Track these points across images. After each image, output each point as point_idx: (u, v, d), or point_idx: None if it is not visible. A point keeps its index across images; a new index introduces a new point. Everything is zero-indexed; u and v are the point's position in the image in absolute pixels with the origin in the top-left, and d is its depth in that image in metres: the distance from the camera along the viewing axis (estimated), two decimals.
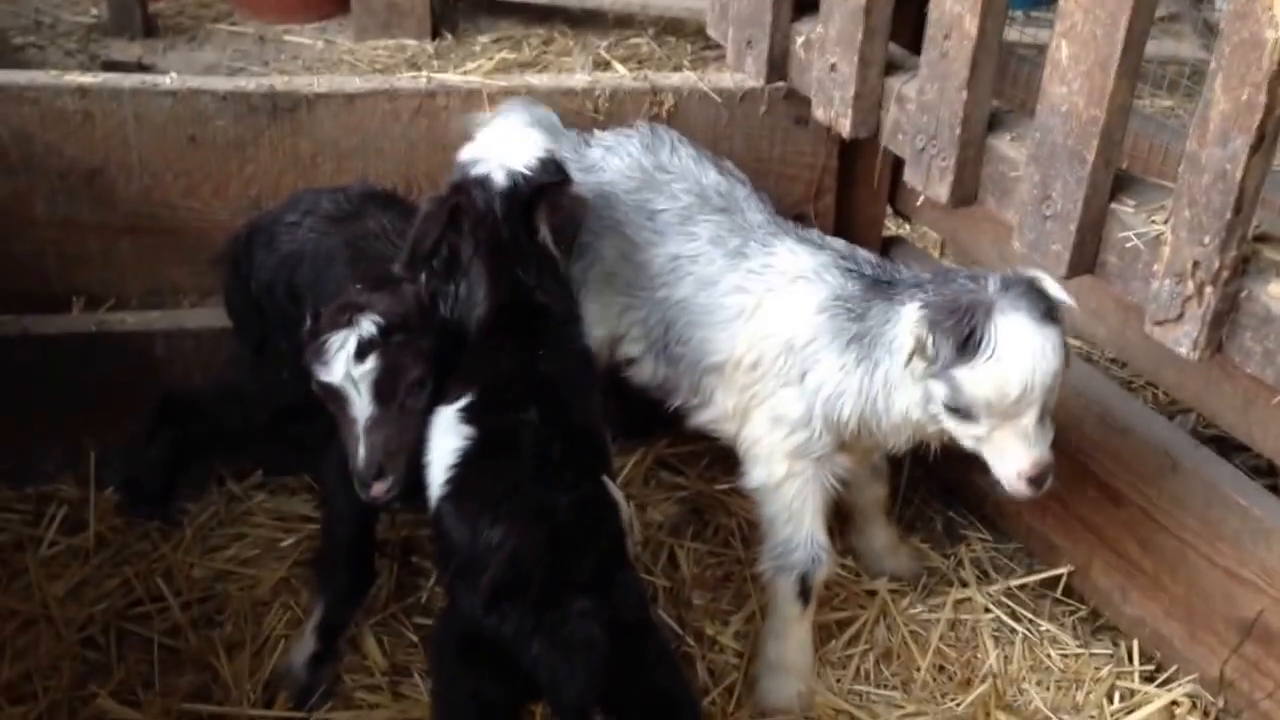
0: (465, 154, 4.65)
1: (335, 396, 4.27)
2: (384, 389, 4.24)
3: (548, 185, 4.52)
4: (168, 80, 5.45)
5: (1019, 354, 4.23)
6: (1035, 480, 4.40)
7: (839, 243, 4.98)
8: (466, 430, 4.15)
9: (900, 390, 4.58)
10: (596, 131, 5.42)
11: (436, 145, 5.55)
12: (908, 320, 4.42)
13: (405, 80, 5.63)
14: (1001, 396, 4.26)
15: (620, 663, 3.88)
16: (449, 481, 4.11)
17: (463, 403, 4.21)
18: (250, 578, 5.21)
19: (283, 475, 5.65)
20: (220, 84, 5.49)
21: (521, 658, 3.81)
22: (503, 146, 4.62)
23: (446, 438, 4.19)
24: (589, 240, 5.13)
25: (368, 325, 4.21)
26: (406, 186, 5.57)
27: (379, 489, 4.26)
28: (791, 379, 4.77)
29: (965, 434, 4.42)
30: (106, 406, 5.36)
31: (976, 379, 4.28)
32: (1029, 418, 4.31)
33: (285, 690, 4.71)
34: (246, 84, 5.48)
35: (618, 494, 4.18)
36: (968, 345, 4.26)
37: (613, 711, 4.04)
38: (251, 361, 5.21)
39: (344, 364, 4.19)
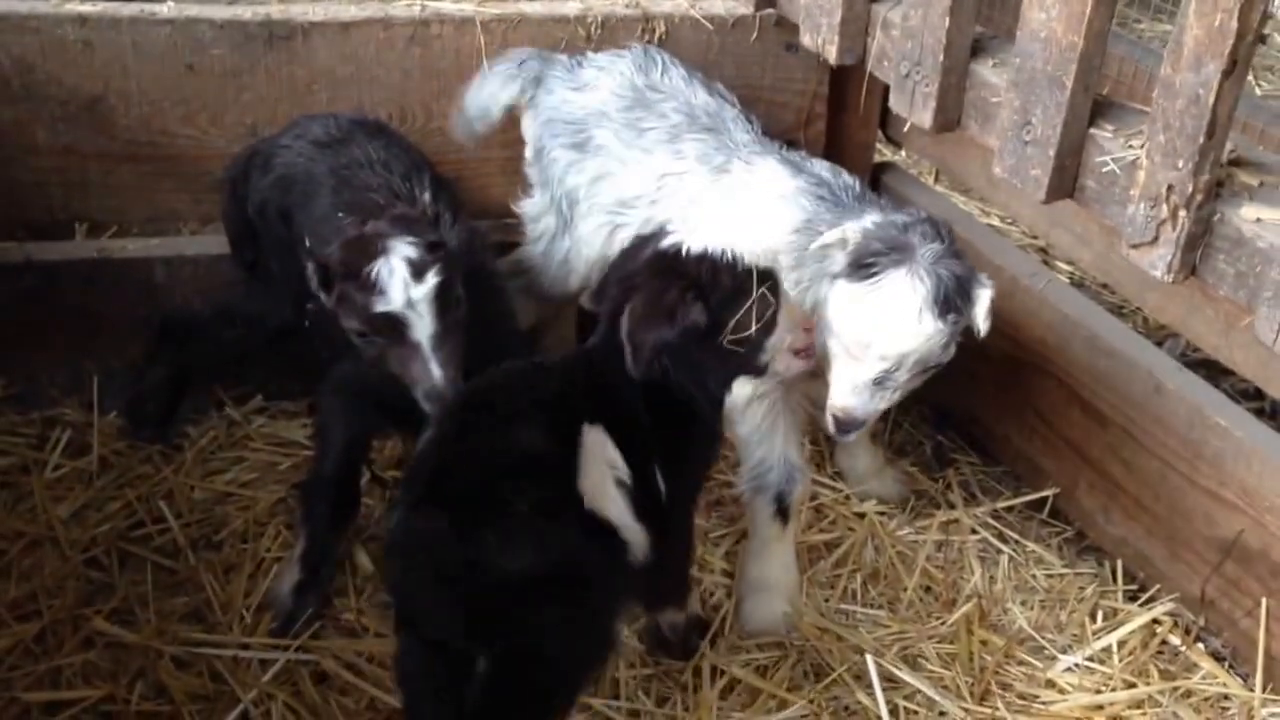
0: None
1: (393, 325, 4.29)
2: (442, 305, 4.29)
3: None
4: (165, 9, 5.48)
5: (883, 310, 4.33)
6: (836, 421, 4.53)
7: (822, 165, 5.04)
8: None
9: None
10: (589, 53, 5.48)
11: (430, 73, 5.63)
12: (854, 221, 4.52)
13: (399, 9, 5.66)
14: (846, 329, 4.40)
15: None
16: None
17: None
18: (249, 499, 5.29)
19: (282, 400, 5.72)
20: (217, 13, 5.52)
21: None
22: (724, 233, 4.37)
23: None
24: (580, 158, 5.22)
25: (408, 249, 4.25)
26: (401, 114, 5.66)
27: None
28: None
29: (828, 344, 4.51)
30: (109, 332, 5.45)
31: (840, 300, 4.42)
32: (868, 370, 4.41)
33: (272, 618, 4.77)
34: (243, 13, 5.51)
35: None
36: (858, 270, 4.37)
37: None
38: (246, 282, 5.29)
39: (402, 289, 4.23)
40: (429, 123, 5.71)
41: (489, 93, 5.48)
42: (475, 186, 5.78)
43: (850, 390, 4.46)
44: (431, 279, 4.24)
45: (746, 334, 4.11)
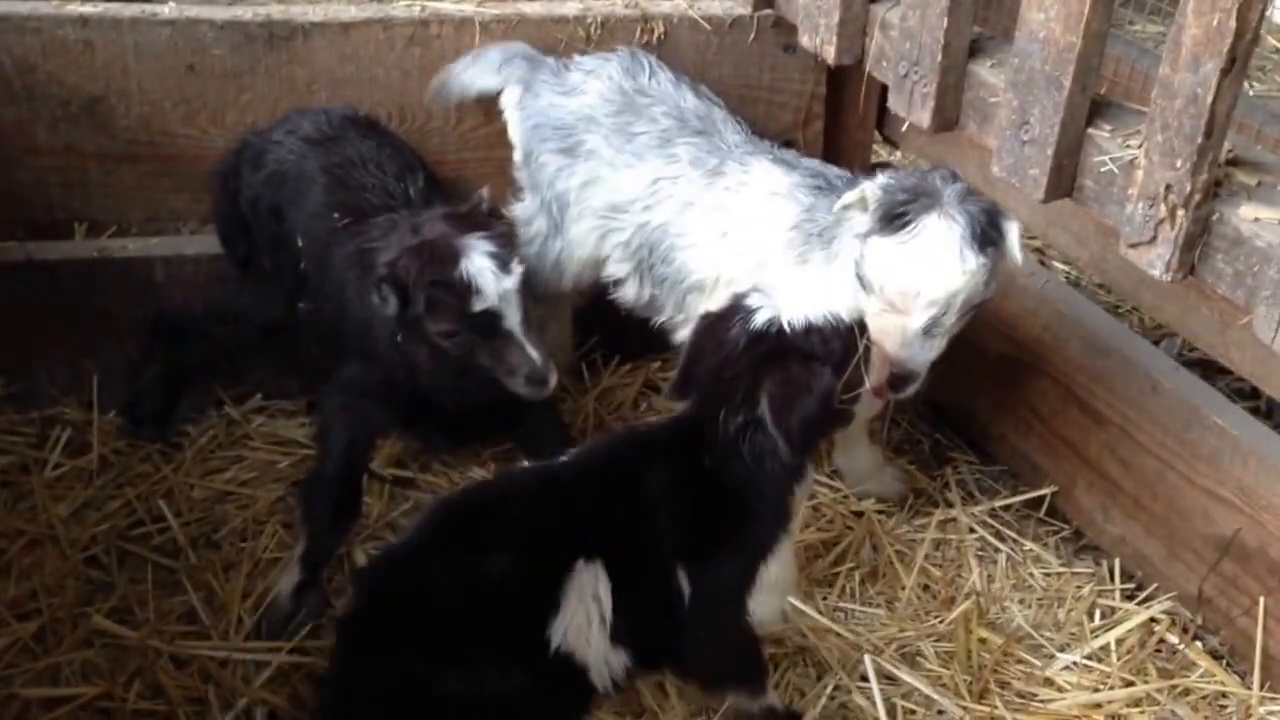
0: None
1: (487, 321, 4.42)
2: (524, 291, 4.46)
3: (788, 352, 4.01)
4: (166, 10, 5.50)
5: (926, 254, 4.36)
6: (893, 378, 4.50)
7: (812, 162, 5.10)
8: None
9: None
10: (576, 56, 5.50)
11: (430, 73, 5.63)
12: (866, 184, 4.55)
13: (399, 9, 5.68)
14: (890, 282, 4.41)
15: None
16: None
17: None
18: (248, 498, 5.30)
19: (280, 399, 5.72)
20: (217, 13, 5.53)
21: None
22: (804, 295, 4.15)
23: None
24: (569, 163, 5.25)
25: (487, 244, 4.37)
26: (401, 114, 5.69)
27: (555, 380, 4.53)
28: None
29: (865, 306, 4.46)
30: (109, 331, 5.44)
31: (881, 255, 4.44)
32: (915, 321, 4.43)
33: (267, 619, 4.76)
34: (243, 13, 5.53)
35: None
36: (893, 221, 4.41)
37: None
38: (238, 279, 5.31)
39: (494, 284, 4.36)
40: (428, 123, 5.74)
41: (470, 76, 5.55)
42: (475, 187, 5.69)
43: (902, 344, 4.46)
44: (517, 268, 4.41)
45: (859, 390, 4.07)
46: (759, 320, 3.98)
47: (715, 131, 5.16)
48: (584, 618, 3.88)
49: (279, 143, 5.15)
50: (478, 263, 4.34)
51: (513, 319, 4.43)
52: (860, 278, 4.54)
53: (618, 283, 5.40)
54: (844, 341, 3.99)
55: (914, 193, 4.44)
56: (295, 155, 5.07)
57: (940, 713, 4.64)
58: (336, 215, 4.81)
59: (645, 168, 5.15)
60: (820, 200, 4.87)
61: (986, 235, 4.40)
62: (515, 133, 5.50)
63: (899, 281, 4.42)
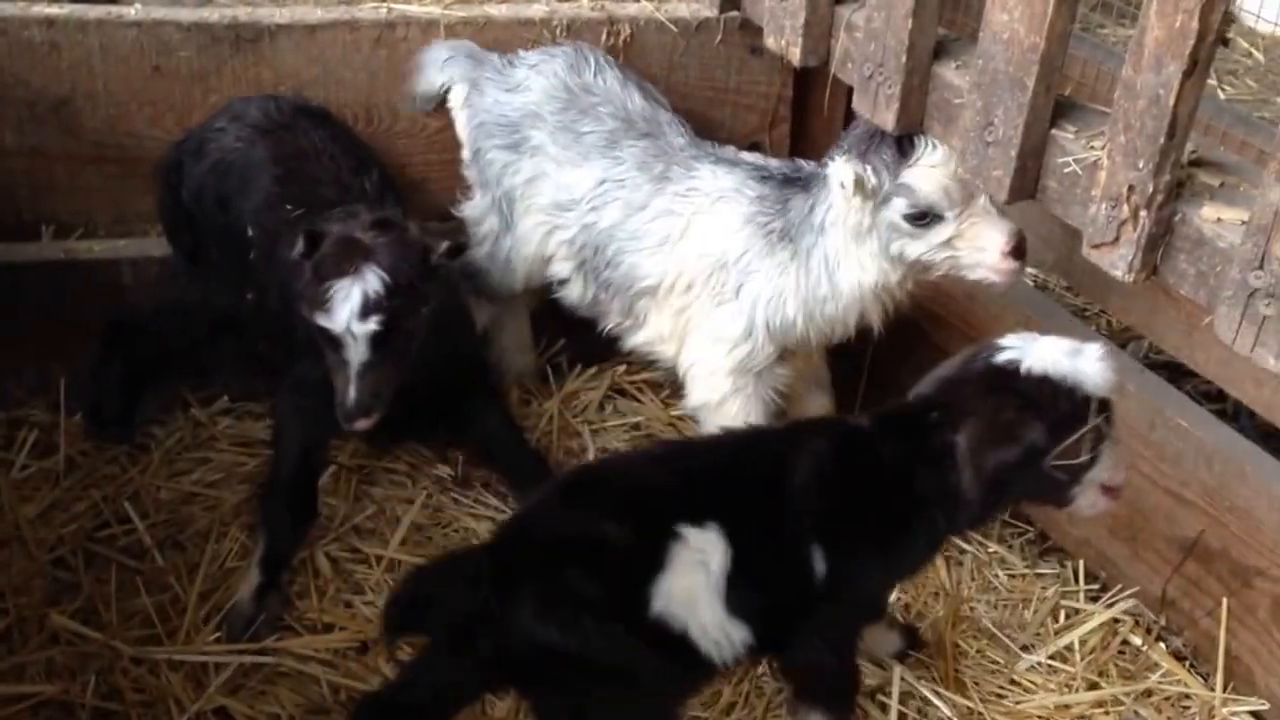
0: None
1: (331, 340, 4.36)
2: (380, 342, 4.34)
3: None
4: (132, 11, 5.49)
5: (943, 157, 4.60)
6: (1017, 249, 4.64)
7: (752, 156, 5.18)
8: None
9: (845, 259, 4.82)
10: (521, 51, 5.52)
11: (396, 75, 5.65)
12: (836, 170, 4.67)
13: (366, 11, 5.68)
14: (955, 174, 4.55)
15: None
16: None
17: None
18: (214, 499, 5.30)
19: (247, 401, 5.72)
20: (183, 15, 5.53)
21: None
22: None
23: None
24: (515, 159, 5.29)
25: (374, 282, 4.29)
26: (367, 115, 5.70)
27: (363, 425, 4.40)
28: (727, 296, 4.92)
29: (937, 243, 4.64)
30: (75, 332, 5.42)
31: (928, 172, 4.58)
32: (983, 197, 4.57)
33: (229, 623, 4.77)
34: (209, 15, 5.53)
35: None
36: (904, 146, 4.60)
37: None
38: (186, 273, 5.31)
39: (347, 317, 4.29)
40: (395, 124, 5.74)
41: (426, 82, 5.58)
42: (440, 189, 5.83)
43: (996, 221, 4.68)
44: (374, 323, 4.31)
45: (1074, 463, 3.99)
46: (1002, 356, 4.01)
47: (661, 134, 5.21)
48: (691, 582, 3.84)
49: (222, 130, 5.13)
50: (351, 291, 4.30)
51: (354, 353, 4.36)
52: (921, 219, 4.67)
53: (563, 282, 5.44)
54: (1072, 406, 3.94)
55: (876, 129, 4.71)
56: (242, 143, 5.06)
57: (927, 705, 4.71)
58: (289, 207, 4.80)
59: (591, 168, 5.19)
60: (769, 191, 4.96)
61: None
62: (462, 130, 5.53)
63: (964, 164, 4.53)
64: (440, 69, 5.52)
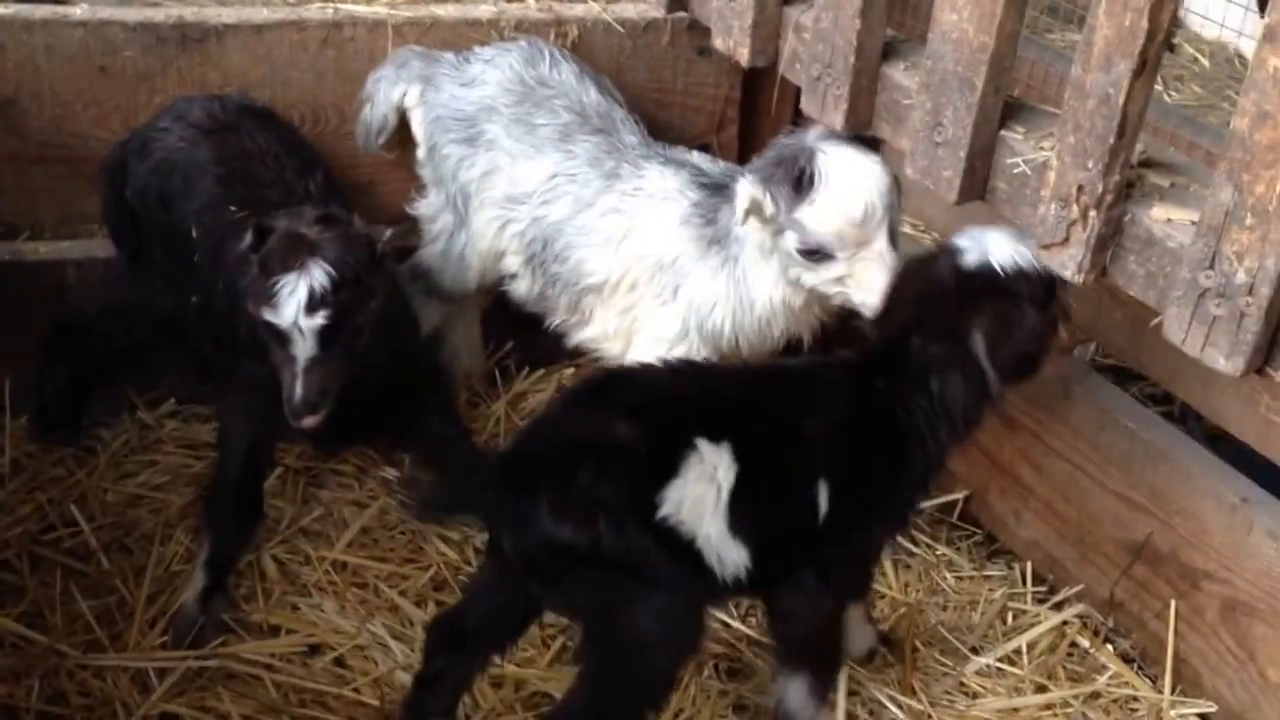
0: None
1: (277, 335, 4.31)
2: (328, 338, 4.28)
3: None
4: (78, 11, 5.45)
5: (851, 176, 4.50)
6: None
7: (700, 157, 5.17)
8: None
9: (757, 273, 4.80)
10: (477, 47, 5.50)
11: (343, 75, 5.62)
12: (741, 188, 4.63)
13: (313, 11, 5.65)
14: (849, 220, 4.49)
15: None
16: None
17: None
18: (161, 502, 5.27)
19: (194, 404, 5.68)
20: (129, 15, 5.48)
21: None
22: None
23: None
24: (471, 153, 5.27)
25: (320, 276, 4.22)
26: (314, 116, 5.66)
27: (310, 422, 4.34)
28: (666, 297, 4.94)
29: (827, 278, 4.62)
30: (20, 334, 5.35)
31: (820, 212, 4.53)
32: (880, 240, 4.54)
33: (174, 626, 4.74)
34: (155, 15, 5.48)
35: None
36: (801, 183, 4.52)
37: None
38: (130, 274, 5.27)
39: (294, 312, 4.22)
40: (342, 125, 5.70)
41: (380, 102, 5.51)
42: (389, 191, 5.80)
43: (884, 268, 4.57)
44: (321, 317, 4.25)
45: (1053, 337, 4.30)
46: (969, 260, 4.18)
47: (614, 130, 5.20)
48: (700, 491, 3.90)
49: (166, 129, 5.08)
50: (294, 282, 4.24)
51: (301, 349, 4.29)
52: (813, 254, 4.62)
53: (512, 277, 5.42)
54: (1045, 287, 4.20)
55: (787, 160, 4.62)
56: (185, 143, 5.00)
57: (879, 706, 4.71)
58: (232, 209, 4.77)
59: (544, 160, 5.18)
60: (704, 197, 4.96)
61: (859, 143, 4.64)
62: (418, 128, 5.47)
63: (854, 215, 4.50)
64: (394, 84, 5.45)
